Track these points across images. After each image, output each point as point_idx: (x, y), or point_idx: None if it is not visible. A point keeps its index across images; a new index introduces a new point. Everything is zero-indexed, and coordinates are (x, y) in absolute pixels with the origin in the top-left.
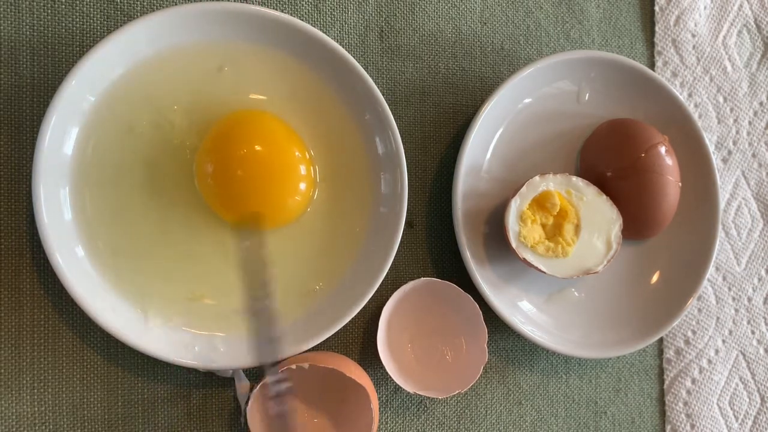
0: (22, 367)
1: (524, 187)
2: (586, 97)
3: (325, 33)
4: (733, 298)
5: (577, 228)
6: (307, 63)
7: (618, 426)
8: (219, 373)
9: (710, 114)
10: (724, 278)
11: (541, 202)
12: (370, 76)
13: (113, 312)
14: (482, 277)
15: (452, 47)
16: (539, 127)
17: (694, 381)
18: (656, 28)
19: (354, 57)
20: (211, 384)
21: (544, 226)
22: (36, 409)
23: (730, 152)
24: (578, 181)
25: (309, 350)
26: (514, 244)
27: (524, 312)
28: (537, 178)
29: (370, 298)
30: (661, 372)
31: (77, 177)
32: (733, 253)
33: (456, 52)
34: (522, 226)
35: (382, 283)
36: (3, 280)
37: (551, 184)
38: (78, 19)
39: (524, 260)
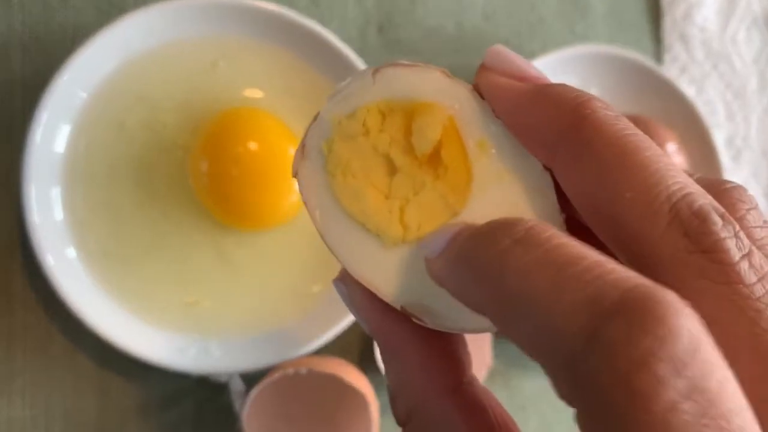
0: (14, 371)
1: (362, 79)
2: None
3: (323, 27)
4: None
5: (463, 192)
6: (304, 58)
7: None
8: (214, 378)
9: (719, 111)
10: None
11: (399, 122)
12: None
13: (106, 315)
14: None
15: (454, 42)
16: None
17: None
18: (663, 23)
19: (353, 52)
20: (205, 389)
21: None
22: (28, 413)
23: (739, 150)
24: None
25: (307, 354)
26: (309, 190)
27: None
28: (401, 69)
29: None
30: None
31: (69, 176)
32: None
33: (458, 47)
34: (334, 149)
35: None
36: None
37: (437, 95)
38: (70, 14)
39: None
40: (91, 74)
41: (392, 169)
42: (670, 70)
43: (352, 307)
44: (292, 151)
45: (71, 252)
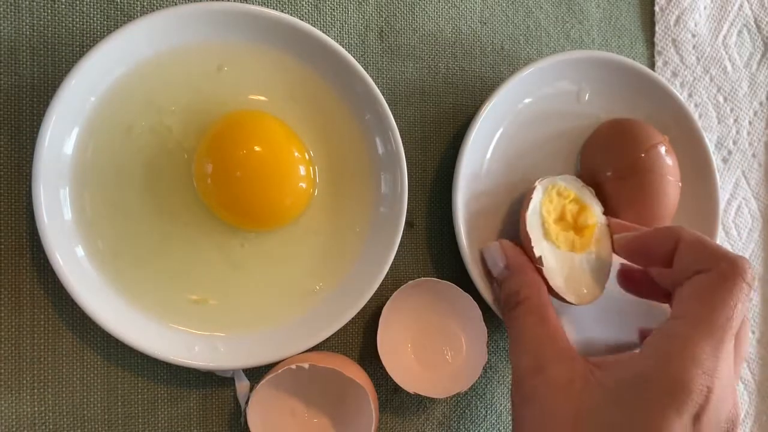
0: (22, 367)
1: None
2: (586, 97)
3: (325, 33)
4: None
5: (587, 245)
6: (306, 63)
7: None
8: (219, 373)
9: (710, 114)
10: None
11: (575, 206)
12: (370, 76)
13: (113, 312)
14: (482, 277)
15: (452, 47)
16: (539, 127)
17: None
18: (656, 28)
19: (354, 57)
20: (211, 384)
21: (565, 222)
22: (36, 409)
23: (730, 152)
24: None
25: (309, 350)
26: (528, 219)
27: None
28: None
29: (370, 298)
30: None
31: (77, 177)
32: None
33: (456, 52)
34: (545, 204)
35: (382, 283)
36: (3, 280)
37: (594, 207)
38: (78, 19)
39: (525, 234)
40: (98, 79)
41: (566, 224)
42: (662, 74)
43: (507, 252)
44: (295, 153)
45: (79, 250)
